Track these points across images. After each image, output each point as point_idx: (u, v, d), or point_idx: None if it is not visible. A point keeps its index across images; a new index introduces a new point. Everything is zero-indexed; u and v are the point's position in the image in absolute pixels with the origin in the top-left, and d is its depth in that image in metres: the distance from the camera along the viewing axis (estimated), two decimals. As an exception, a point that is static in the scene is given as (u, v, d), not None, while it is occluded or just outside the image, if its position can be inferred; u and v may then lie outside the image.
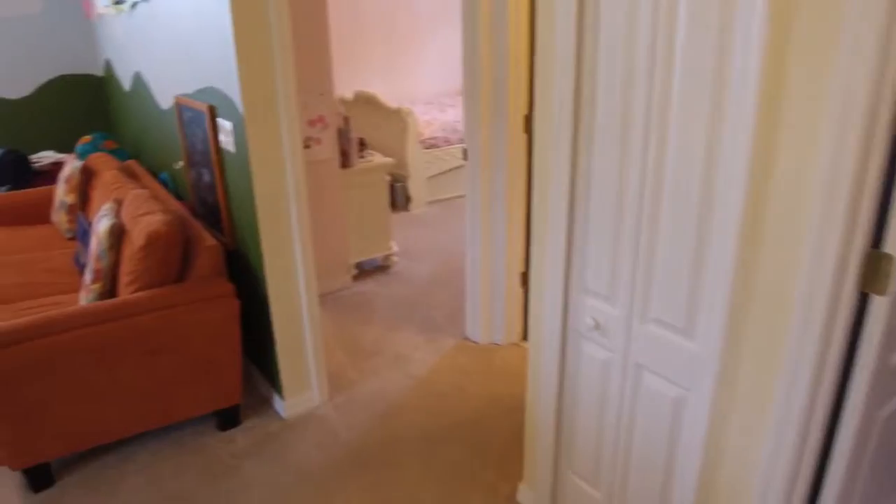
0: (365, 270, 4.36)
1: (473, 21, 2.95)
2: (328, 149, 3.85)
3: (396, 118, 5.39)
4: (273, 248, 2.67)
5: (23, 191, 4.20)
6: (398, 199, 5.55)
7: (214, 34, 2.54)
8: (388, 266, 4.42)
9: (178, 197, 3.71)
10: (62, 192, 3.85)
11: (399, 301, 3.96)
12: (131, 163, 4.18)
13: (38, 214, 4.14)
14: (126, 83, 4.37)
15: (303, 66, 3.61)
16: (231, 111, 2.59)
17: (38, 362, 2.38)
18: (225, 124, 2.69)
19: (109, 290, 2.79)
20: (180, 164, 3.50)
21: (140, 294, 2.55)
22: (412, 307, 3.88)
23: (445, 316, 3.76)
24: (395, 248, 4.42)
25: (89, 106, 5.12)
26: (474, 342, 3.46)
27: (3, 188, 4.43)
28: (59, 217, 3.88)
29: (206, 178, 3.09)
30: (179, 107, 3.23)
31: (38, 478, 2.58)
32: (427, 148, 5.56)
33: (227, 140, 2.72)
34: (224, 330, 2.65)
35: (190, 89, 3.05)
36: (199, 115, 2.93)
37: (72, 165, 3.84)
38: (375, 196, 4.23)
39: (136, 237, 2.63)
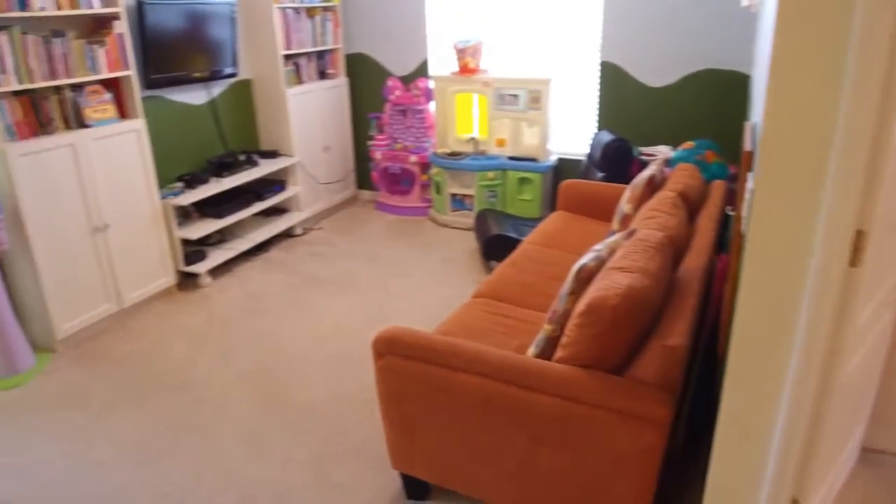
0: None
1: None
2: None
3: None
4: (743, 383, 1.68)
5: (604, 184, 3.98)
6: None
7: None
8: None
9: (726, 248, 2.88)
10: (625, 199, 3.46)
11: None
12: (717, 184, 3.49)
13: (607, 210, 3.87)
14: (749, 89, 3.62)
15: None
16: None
17: (432, 386, 2.11)
18: (749, 181, 1.78)
19: (558, 338, 2.29)
20: (731, 210, 2.65)
21: (552, 368, 1.97)
22: None
23: None
24: None
25: (725, 107, 4.52)
26: None
27: (600, 175, 4.31)
28: (615, 224, 3.52)
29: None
30: (751, 135, 2.37)
31: (413, 487, 2.43)
32: None
33: (746, 205, 1.80)
34: (633, 462, 1.86)
35: (756, 117, 2.17)
36: (750, 158, 2.05)
37: (642, 174, 3.38)
38: None
39: (584, 298, 2.03)
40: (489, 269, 4.40)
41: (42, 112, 3.48)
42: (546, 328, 2.29)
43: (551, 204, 5.09)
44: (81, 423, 3.02)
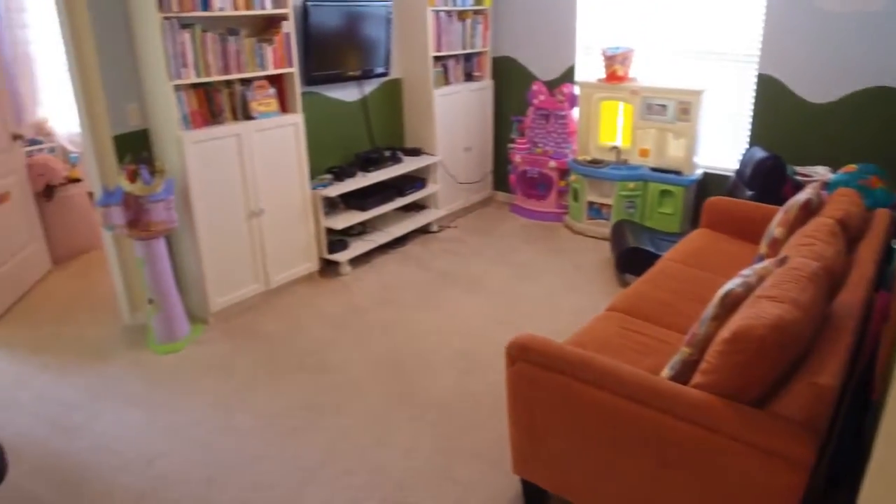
0: None
1: None
2: None
3: None
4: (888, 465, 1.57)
5: (753, 203, 3.80)
6: None
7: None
8: None
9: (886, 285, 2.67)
10: (776, 221, 3.28)
11: None
12: (881, 213, 3.24)
13: (754, 232, 3.69)
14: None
15: None
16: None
17: (562, 397, 2.12)
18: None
19: (695, 362, 2.22)
20: (899, 243, 2.46)
21: (688, 393, 1.92)
22: None
23: None
24: None
25: (894, 130, 4.17)
26: None
27: (749, 194, 4.11)
28: (762, 247, 3.35)
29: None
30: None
31: (532, 494, 2.46)
32: None
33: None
34: (768, 503, 1.77)
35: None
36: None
37: (797, 197, 3.20)
38: None
39: (729, 325, 1.96)
40: (623, 282, 4.32)
41: (214, 103, 3.79)
42: (683, 351, 2.23)
43: (692, 220, 4.92)
44: (226, 392, 3.27)
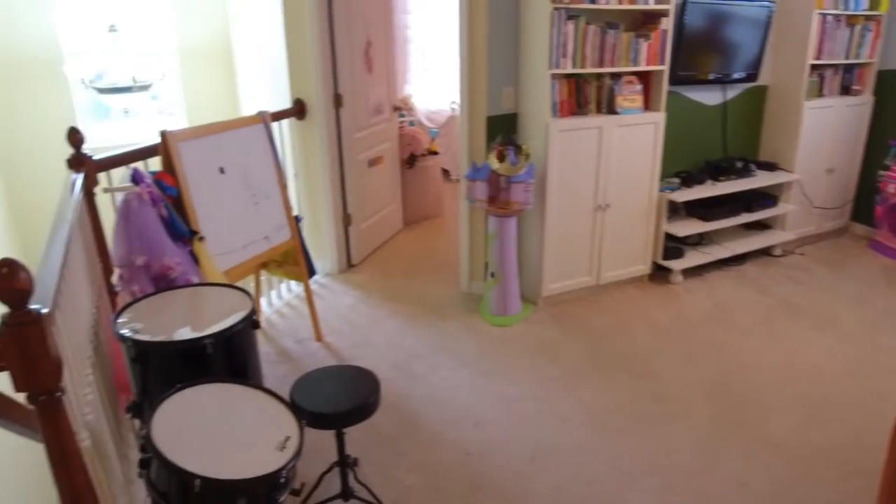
0: None
1: None
2: None
3: None
4: None
5: None
6: None
7: None
8: None
9: None
10: None
11: None
12: None
13: None
14: None
15: None
16: None
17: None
18: None
19: None
20: None
21: None
22: None
23: None
24: None
25: None
26: None
27: None
28: None
29: None
30: None
31: None
32: None
33: None
34: None
35: None
36: None
37: None
38: None
39: None
40: None
41: (582, 94, 3.86)
42: None
43: None
44: (551, 376, 3.35)
